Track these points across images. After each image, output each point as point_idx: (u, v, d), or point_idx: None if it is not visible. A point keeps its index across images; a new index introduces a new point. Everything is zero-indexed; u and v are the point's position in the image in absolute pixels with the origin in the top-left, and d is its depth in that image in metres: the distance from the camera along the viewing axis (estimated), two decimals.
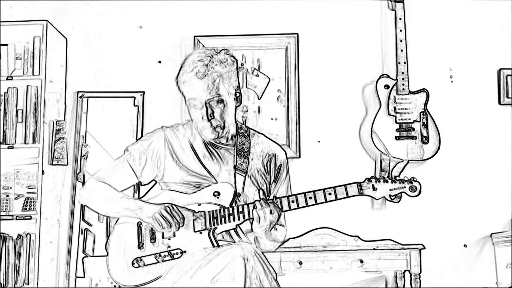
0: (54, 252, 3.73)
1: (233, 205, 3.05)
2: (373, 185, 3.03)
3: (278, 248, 3.19)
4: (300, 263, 3.63)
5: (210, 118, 3.05)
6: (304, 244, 3.65)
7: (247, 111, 3.82)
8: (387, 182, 3.03)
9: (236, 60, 3.16)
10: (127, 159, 3.16)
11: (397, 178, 3.05)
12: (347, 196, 3.04)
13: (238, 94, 3.14)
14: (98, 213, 3.22)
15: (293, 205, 3.03)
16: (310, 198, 3.03)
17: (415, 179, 3.06)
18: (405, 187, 3.03)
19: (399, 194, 3.64)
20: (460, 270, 3.72)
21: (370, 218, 3.75)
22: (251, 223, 3.04)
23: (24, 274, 3.67)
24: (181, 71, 3.11)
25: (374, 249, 3.65)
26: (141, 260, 3.02)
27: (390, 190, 3.04)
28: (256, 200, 3.02)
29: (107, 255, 3.08)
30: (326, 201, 3.04)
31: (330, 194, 3.03)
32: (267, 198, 3.12)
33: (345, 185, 3.03)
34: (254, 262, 2.84)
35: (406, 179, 3.05)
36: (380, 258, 3.64)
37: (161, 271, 3.01)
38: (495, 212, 3.73)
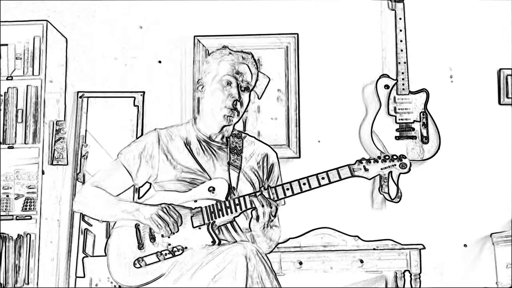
0: (54, 252, 3.73)
1: (229, 198, 3.08)
2: (364, 166, 3.06)
3: (273, 249, 3.20)
4: (300, 263, 3.63)
5: (240, 98, 3.12)
6: (304, 244, 3.66)
7: (247, 111, 3.82)
8: (377, 162, 3.06)
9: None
10: (121, 162, 3.17)
11: (387, 156, 3.07)
12: (340, 179, 3.05)
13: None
14: (94, 219, 3.22)
15: (288, 193, 3.05)
16: (304, 184, 3.05)
17: (404, 156, 3.07)
18: (395, 164, 3.05)
19: (399, 194, 3.65)
20: (460, 270, 3.73)
21: (370, 218, 3.75)
22: (249, 221, 3.06)
23: (24, 274, 3.67)
24: (216, 52, 3.21)
25: (374, 249, 3.65)
26: (142, 260, 3.03)
27: (381, 169, 3.06)
28: (252, 196, 3.03)
29: (107, 258, 3.08)
30: (320, 186, 3.06)
31: (323, 178, 3.05)
32: (260, 189, 3.13)
33: (337, 169, 3.05)
34: (256, 261, 2.85)
35: (395, 156, 3.07)
36: (380, 258, 3.64)
37: (162, 270, 3.02)
38: (495, 212, 3.74)
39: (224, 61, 3.18)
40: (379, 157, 3.08)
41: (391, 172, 3.07)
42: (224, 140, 3.21)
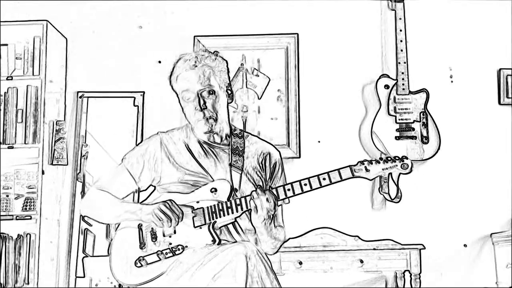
0: (54, 252, 3.73)
1: (231, 199, 3.09)
2: (365, 167, 3.08)
3: (277, 251, 3.21)
4: (300, 263, 3.63)
5: (202, 108, 3.12)
6: (304, 244, 3.66)
7: (247, 111, 3.82)
8: (379, 162, 3.09)
9: (226, 61, 3.26)
10: (125, 166, 3.21)
11: (389, 157, 3.09)
12: (341, 180, 3.07)
13: (229, 91, 3.24)
14: (100, 222, 3.26)
15: (289, 193, 3.07)
16: (305, 184, 3.08)
17: (406, 157, 3.09)
18: (397, 165, 3.08)
19: (399, 194, 3.65)
20: (460, 270, 3.72)
21: (370, 218, 3.75)
22: (250, 218, 3.08)
23: (24, 274, 3.67)
24: (173, 69, 3.24)
25: (374, 249, 3.65)
26: (143, 259, 3.06)
27: (383, 170, 3.09)
28: (252, 191, 3.06)
29: (110, 258, 3.11)
30: (321, 186, 3.08)
31: (324, 179, 3.08)
32: (263, 187, 3.16)
33: (338, 169, 3.07)
34: (256, 261, 2.86)
35: (397, 157, 3.08)
36: (380, 258, 3.64)
37: (163, 268, 3.04)
38: (495, 212, 3.74)
39: (179, 78, 3.19)
40: (380, 158, 3.09)
41: (391, 172, 3.09)
42: (225, 141, 3.22)
